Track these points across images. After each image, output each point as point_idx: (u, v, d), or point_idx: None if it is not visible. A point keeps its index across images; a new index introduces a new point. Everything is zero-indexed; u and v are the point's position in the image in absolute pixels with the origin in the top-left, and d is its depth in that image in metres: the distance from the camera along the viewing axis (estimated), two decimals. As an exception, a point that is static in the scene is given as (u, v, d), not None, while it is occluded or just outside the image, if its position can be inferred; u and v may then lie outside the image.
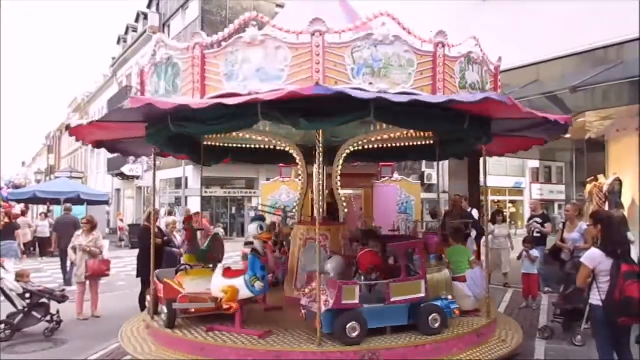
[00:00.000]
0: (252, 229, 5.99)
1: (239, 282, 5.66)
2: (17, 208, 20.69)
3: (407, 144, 8.33)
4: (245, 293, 5.66)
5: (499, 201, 35.82)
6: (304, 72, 5.02)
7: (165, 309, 5.96)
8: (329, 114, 5.02)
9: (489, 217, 11.15)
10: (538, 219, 10.19)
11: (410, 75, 5.25)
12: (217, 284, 5.79)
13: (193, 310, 5.93)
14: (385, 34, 5.16)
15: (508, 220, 11.57)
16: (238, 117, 5.11)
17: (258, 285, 5.65)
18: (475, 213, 11.36)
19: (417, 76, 5.29)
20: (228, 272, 5.93)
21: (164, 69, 5.59)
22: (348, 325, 5.16)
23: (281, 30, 5.18)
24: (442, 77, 5.38)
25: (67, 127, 5.28)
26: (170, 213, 19.22)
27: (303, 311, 5.62)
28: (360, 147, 7.80)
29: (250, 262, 5.74)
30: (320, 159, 5.82)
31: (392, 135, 7.74)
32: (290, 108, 4.87)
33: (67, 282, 12.09)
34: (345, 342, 5.15)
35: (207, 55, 5.32)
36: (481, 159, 7.22)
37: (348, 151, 7.43)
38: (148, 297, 6.65)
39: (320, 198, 7.49)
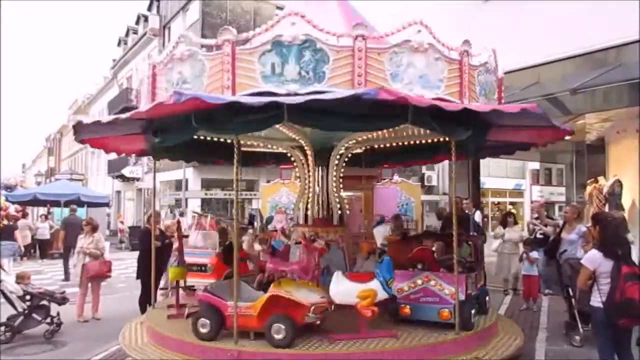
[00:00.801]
0: (382, 232, 5.88)
1: (376, 285, 5.55)
2: (12, 208, 20.75)
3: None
4: (382, 295, 5.57)
5: (499, 203, 35.81)
6: (455, 86, 5.53)
7: (282, 326, 5.22)
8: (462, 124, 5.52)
9: (500, 219, 10.99)
10: (538, 221, 10.12)
11: (495, 101, 6.24)
12: (349, 290, 5.55)
13: (318, 322, 5.60)
14: (492, 64, 6.17)
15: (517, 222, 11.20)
16: (387, 118, 5.24)
17: (393, 286, 5.71)
18: (477, 215, 11.33)
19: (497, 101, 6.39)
20: (356, 277, 5.77)
21: (295, 51, 5.08)
22: (472, 311, 5.89)
23: (439, 42, 5.45)
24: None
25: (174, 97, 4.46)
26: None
27: (407, 306, 6.00)
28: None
29: (386, 264, 5.66)
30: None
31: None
32: (445, 115, 5.08)
33: (67, 277, 12.45)
34: (468, 327, 5.74)
35: (370, 51, 5.16)
36: (482, 161, 7.30)
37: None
38: (190, 313, 5.89)
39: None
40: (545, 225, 9.54)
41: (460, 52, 5.60)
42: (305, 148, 7.60)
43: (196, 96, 4.59)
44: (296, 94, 4.87)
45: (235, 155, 5.38)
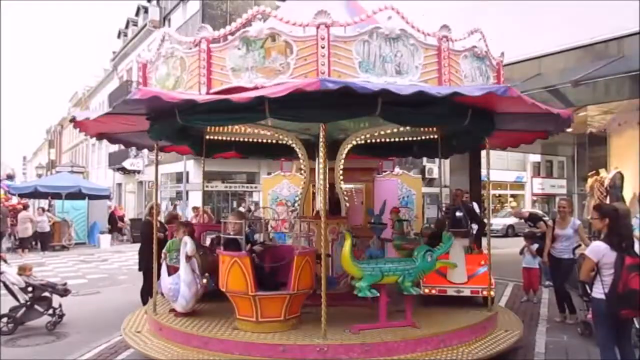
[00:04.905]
0: None
1: None
2: (14, 200, 21.18)
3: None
4: None
5: (499, 195, 35.83)
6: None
7: None
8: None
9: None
10: (530, 222, 10.08)
11: None
12: None
13: None
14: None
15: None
16: (452, 115, 5.56)
17: None
18: (476, 207, 11.35)
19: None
20: None
21: (390, 43, 5.23)
22: None
23: (486, 46, 5.99)
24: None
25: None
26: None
27: None
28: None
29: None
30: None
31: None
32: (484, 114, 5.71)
33: None
34: None
35: (452, 53, 5.49)
36: (483, 153, 7.30)
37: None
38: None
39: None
40: (536, 226, 9.59)
41: (498, 62, 6.25)
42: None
43: (348, 84, 4.48)
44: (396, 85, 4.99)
45: (320, 149, 5.40)
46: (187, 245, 6.24)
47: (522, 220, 10.60)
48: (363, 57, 5.13)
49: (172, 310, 6.43)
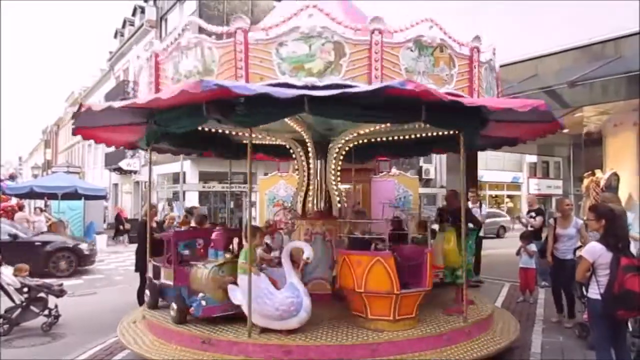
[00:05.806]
0: None
1: None
2: (13, 201, 20.94)
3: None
4: None
5: (496, 196, 35.92)
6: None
7: None
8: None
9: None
10: (532, 213, 10.21)
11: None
12: None
13: None
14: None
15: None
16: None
17: None
18: (484, 208, 11.46)
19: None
20: None
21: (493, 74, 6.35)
22: None
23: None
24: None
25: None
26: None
27: None
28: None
29: None
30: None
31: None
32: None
33: None
34: None
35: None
36: (480, 154, 7.33)
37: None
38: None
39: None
40: (534, 218, 9.69)
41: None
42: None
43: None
44: None
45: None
46: (307, 251, 5.73)
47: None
48: (486, 80, 6.09)
49: (266, 330, 5.51)
